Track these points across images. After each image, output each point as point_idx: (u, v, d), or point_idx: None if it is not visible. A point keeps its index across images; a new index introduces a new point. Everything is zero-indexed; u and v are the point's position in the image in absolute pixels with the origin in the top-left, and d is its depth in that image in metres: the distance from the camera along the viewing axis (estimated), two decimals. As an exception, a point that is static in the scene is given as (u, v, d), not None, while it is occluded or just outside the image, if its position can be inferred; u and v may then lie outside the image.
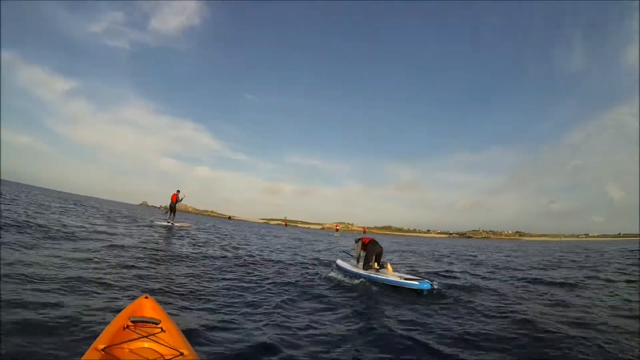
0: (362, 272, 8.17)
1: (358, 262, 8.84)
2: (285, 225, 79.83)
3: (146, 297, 3.06)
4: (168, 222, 19.36)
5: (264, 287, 6.75)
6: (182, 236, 15.17)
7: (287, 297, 5.98)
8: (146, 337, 2.61)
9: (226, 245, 13.68)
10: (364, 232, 73.89)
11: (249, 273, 8.01)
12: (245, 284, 6.80)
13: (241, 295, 5.88)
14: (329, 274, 8.66)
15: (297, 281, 7.54)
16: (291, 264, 10.12)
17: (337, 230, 53.79)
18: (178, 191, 19.77)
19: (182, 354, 2.49)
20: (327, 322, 4.73)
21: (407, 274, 8.31)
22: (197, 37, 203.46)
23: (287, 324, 4.41)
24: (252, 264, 9.52)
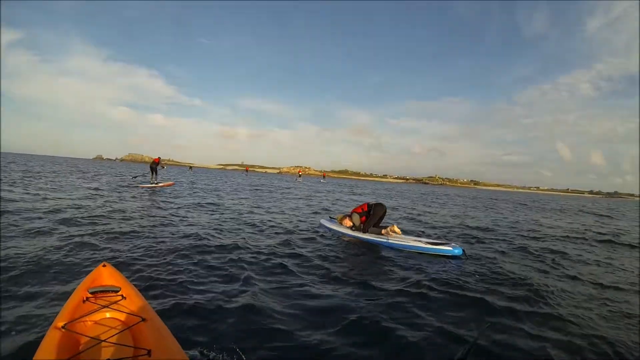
0: (372, 237, 6.97)
1: (363, 231, 7.25)
2: (247, 170, 78.74)
3: (104, 265, 2.91)
4: (152, 182, 19.11)
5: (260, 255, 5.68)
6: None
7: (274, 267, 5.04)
8: (107, 306, 2.54)
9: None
10: (324, 176, 74.40)
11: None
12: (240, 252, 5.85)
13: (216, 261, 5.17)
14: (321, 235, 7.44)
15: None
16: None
17: (299, 175, 54.45)
18: (159, 157, 19.65)
19: (144, 319, 2.43)
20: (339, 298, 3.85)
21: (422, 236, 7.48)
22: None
23: (266, 298, 3.78)
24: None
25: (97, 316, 2.49)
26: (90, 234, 6.23)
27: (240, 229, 7.61)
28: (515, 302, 3.80)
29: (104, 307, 2.52)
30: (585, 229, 11.19)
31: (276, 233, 7.47)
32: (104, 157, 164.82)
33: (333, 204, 15.43)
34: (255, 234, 7.34)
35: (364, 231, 7.23)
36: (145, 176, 20.93)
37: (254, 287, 3.90)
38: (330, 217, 9.14)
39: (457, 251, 5.96)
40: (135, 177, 20.28)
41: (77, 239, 5.74)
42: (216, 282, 4.15)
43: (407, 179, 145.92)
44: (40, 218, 7.26)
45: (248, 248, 5.87)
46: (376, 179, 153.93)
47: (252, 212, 10.32)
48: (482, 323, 3.17)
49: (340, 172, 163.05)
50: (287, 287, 4.05)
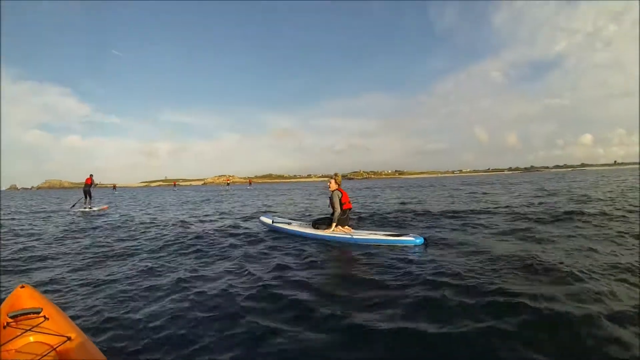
0: (336, 235, 6.75)
1: (333, 224, 6.94)
2: (174, 185, 76.91)
3: (22, 287, 2.79)
4: (85, 207, 18.10)
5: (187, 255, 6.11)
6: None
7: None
8: (29, 330, 2.45)
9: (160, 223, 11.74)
10: (250, 183, 74.83)
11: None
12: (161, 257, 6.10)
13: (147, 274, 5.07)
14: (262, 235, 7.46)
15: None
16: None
17: (227, 184, 54.02)
18: (91, 175, 18.63)
19: (69, 338, 2.43)
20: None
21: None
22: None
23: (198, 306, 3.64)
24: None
25: (20, 341, 2.40)
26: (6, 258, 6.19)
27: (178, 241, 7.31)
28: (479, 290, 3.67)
29: (27, 330, 2.44)
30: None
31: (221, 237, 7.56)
32: (19, 186, 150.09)
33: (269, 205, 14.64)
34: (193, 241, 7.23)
35: (317, 225, 7.19)
36: (81, 201, 19.30)
37: (185, 299, 3.80)
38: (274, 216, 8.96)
39: (419, 241, 6.05)
40: (73, 206, 19.35)
41: None
42: (144, 293, 4.11)
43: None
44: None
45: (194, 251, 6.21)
46: (300, 179, 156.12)
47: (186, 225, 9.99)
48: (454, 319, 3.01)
49: (264, 176, 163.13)
50: (230, 295, 3.86)
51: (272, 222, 8.13)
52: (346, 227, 6.97)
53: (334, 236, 6.72)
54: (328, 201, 7.25)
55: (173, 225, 10.18)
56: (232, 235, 7.85)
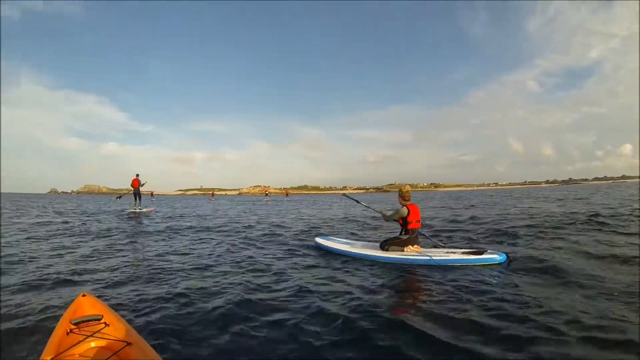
0: (399, 256, 6.17)
1: (385, 245, 6.53)
2: (212, 195, 77.88)
3: (84, 295, 2.99)
4: (135, 208, 19.09)
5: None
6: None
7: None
8: (91, 335, 2.59)
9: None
10: (287, 194, 74.87)
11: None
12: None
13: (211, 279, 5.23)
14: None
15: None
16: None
17: (266, 195, 53.65)
18: (137, 175, 19.22)
19: (129, 343, 2.52)
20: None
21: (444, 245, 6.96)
22: (96, 3, 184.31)
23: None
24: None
25: (82, 347, 2.54)
26: (68, 266, 6.29)
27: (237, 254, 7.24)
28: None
29: (88, 336, 2.57)
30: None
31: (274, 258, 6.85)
32: (59, 190, 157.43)
33: (317, 220, 14.23)
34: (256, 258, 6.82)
35: (387, 246, 6.51)
36: (131, 204, 20.52)
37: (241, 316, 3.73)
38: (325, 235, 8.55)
39: (501, 258, 5.69)
40: (119, 197, 20.03)
41: (53, 273, 5.69)
42: (203, 302, 4.15)
43: (368, 189, 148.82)
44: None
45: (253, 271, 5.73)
46: (336, 191, 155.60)
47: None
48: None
49: (300, 188, 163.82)
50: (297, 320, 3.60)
51: (331, 243, 7.49)
52: (416, 246, 6.45)
53: (410, 258, 6.07)
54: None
55: (230, 236, 10.15)
56: (290, 252, 7.41)
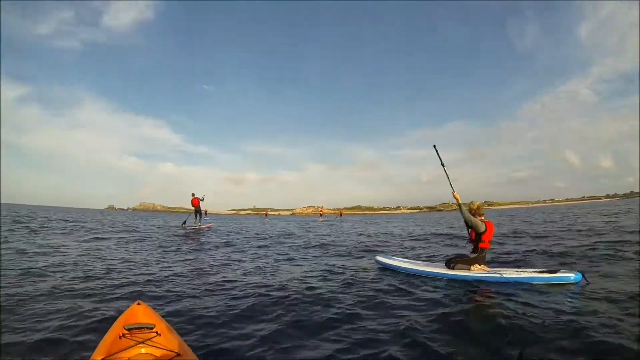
0: (466, 274, 5.98)
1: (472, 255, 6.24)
2: (266, 215, 79.26)
3: (138, 304, 3.09)
4: (195, 225, 20.36)
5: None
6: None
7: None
8: (142, 342, 2.68)
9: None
10: (341, 214, 74.57)
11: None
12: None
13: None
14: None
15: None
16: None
17: (321, 215, 53.41)
18: (193, 194, 20.18)
19: (178, 354, 2.60)
20: None
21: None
22: (151, 31, 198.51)
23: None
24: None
25: (133, 352, 2.64)
26: (128, 274, 6.65)
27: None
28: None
29: (140, 343, 2.68)
30: None
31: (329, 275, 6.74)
32: (116, 207, 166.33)
33: (377, 239, 13.83)
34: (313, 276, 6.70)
35: (453, 264, 6.25)
36: (190, 219, 21.39)
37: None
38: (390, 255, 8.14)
39: (577, 277, 5.40)
40: (183, 223, 21.01)
41: (114, 280, 6.13)
42: (248, 322, 4.10)
43: (421, 208, 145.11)
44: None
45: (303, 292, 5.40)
46: (389, 211, 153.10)
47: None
48: None
49: (353, 208, 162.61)
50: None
51: (392, 261, 7.25)
52: (482, 265, 6.19)
53: (477, 276, 5.89)
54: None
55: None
56: (351, 271, 7.16)
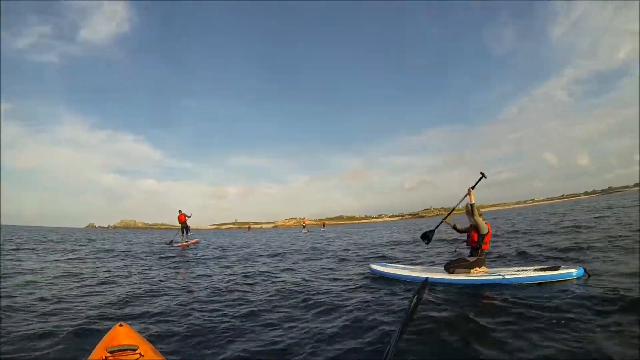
0: (468, 278, 5.82)
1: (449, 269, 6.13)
2: (249, 228, 78.62)
3: (120, 325, 3.00)
4: (183, 240, 20.54)
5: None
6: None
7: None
8: None
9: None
10: (324, 225, 74.71)
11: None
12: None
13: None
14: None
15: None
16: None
17: (304, 226, 53.61)
18: (180, 211, 20.63)
19: None
20: None
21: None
22: (129, 44, 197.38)
23: None
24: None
25: None
26: (107, 295, 6.45)
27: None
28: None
29: None
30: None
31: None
32: (96, 225, 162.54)
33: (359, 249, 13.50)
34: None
35: (452, 268, 6.08)
36: (177, 236, 21.74)
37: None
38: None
39: (579, 272, 5.38)
40: (170, 242, 20.91)
41: (92, 301, 5.91)
42: (237, 338, 4.05)
43: (404, 215, 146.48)
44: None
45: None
46: (372, 220, 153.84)
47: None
48: None
49: (335, 218, 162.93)
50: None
51: (388, 269, 6.95)
52: (482, 267, 6.07)
53: (479, 279, 5.72)
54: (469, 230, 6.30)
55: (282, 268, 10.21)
56: (345, 280, 7.03)
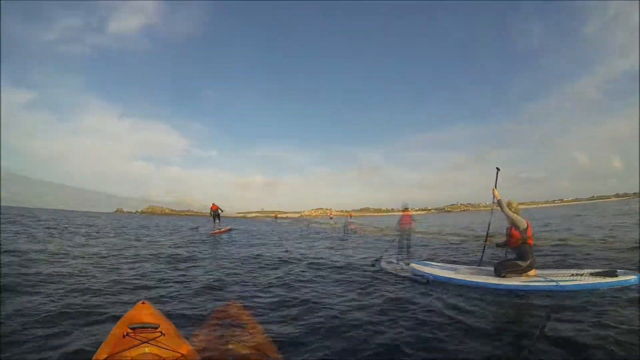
0: (519, 284, 5.53)
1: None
2: (276, 218, 79.25)
3: (143, 303, 3.08)
4: (215, 228, 21.70)
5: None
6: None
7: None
8: (146, 342, 2.66)
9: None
10: (351, 216, 74.30)
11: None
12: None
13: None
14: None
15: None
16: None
17: (331, 217, 53.46)
18: (213, 204, 22.44)
19: (182, 355, 2.63)
20: None
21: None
22: (157, 36, 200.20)
23: None
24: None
25: (136, 351, 2.65)
26: (135, 273, 6.75)
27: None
28: None
29: (144, 342, 2.66)
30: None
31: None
32: (124, 210, 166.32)
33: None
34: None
35: (504, 273, 5.80)
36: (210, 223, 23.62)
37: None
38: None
39: (637, 279, 5.10)
40: (196, 228, 22.33)
41: (117, 278, 6.23)
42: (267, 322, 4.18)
43: (430, 210, 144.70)
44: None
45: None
46: (398, 212, 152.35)
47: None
48: None
49: (362, 210, 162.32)
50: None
51: (430, 269, 6.73)
52: (533, 270, 5.76)
53: (532, 285, 5.39)
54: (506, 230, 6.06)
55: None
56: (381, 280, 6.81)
